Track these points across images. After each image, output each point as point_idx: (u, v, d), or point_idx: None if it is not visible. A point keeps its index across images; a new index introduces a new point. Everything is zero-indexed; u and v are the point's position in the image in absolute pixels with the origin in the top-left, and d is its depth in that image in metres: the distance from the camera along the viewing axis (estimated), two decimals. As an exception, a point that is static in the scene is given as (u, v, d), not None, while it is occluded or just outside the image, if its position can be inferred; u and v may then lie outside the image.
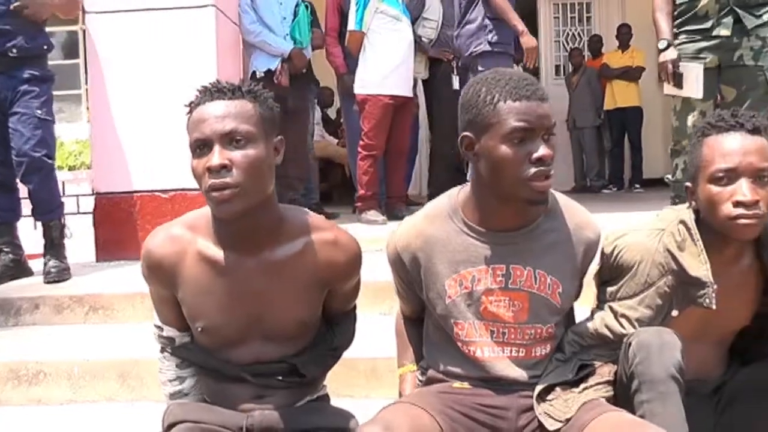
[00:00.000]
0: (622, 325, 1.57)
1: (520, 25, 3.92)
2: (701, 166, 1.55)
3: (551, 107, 1.43)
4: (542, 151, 1.40)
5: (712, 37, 3.15)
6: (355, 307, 1.70)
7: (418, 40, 4.57)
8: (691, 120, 3.21)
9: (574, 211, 1.58)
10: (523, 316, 1.53)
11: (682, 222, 1.58)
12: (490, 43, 3.96)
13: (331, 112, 7.34)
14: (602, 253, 1.64)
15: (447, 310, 1.55)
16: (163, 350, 1.65)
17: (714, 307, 1.52)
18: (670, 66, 3.18)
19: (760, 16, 3.12)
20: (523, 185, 1.41)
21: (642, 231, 1.62)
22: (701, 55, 3.16)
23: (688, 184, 1.61)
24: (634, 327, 1.56)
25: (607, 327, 1.59)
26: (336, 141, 6.96)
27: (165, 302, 1.58)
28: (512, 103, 1.40)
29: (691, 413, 1.60)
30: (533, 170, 1.40)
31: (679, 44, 3.23)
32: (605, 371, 1.56)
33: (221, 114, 1.41)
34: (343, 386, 2.21)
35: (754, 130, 1.52)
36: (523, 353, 1.55)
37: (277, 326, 1.52)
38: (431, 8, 4.67)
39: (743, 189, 1.48)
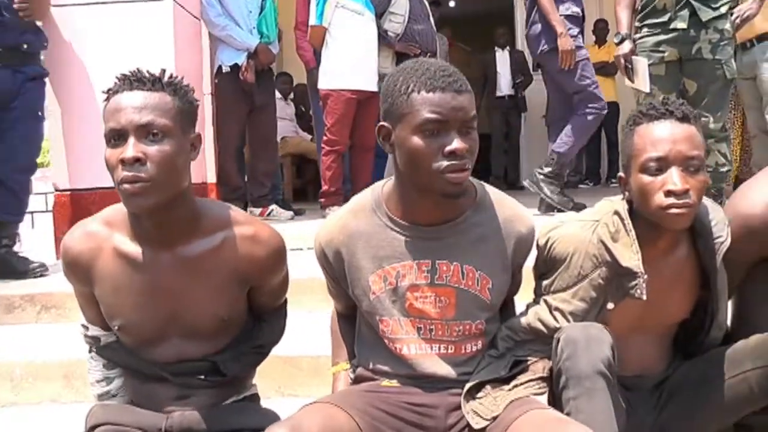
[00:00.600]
0: (555, 319, 1.55)
1: (560, 27, 3.86)
2: (632, 156, 1.52)
3: (470, 100, 1.39)
4: (456, 144, 1.36)
5: (670, 30, 3.14)
6: (284, 303, 1.66)
7: (383, 34, 4.52)
8: (651, 113, 3.18)
9: (504, 204, 1.55)
10: (451, 313, 1.50)
11: (616, 213, 1.55)
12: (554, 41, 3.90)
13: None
14: (537, 245, 1.61)
15: (372, 307, 1.52)
16: (90, 350, 1.61)
17: (644, 297, 1.49)
18: (621, 60, 3.23)
19: (717, 8, 3.10)
20: (437, 178, 1.37)
21: (576, 222, 1.59)
22: (660, 48, 3.15)
23: (621, 174, 1.58)
24: (568, 320, 1.53)
25: (540, 321, 1.56)
26: (310, 137, 6.91)
27: (86, 300, 1.54)
28: (426, 94, 1.37)
29: (633, 409, 1.59)
30: (446, 163, 1.36)
31: (640, 38, 3.24)
32: (539, 367, 1.52)
33: (138, 105, 1.36)
34: (287, 385, 2.17)
35: (684, 118, 1.49)
36: (453, 350, 1.51)
37: (195, 323, 1.48)
38: (398, 2, 4.61)
39: (674, 178, 1.46)
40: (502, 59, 7.53)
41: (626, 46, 3.23)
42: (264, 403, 1.68)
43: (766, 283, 1.64)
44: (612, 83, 7.51)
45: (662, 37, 3.14)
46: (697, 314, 1.64)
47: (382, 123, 1.45)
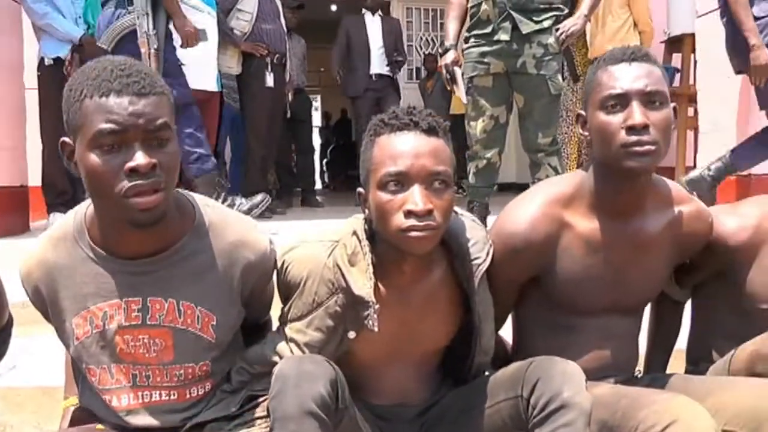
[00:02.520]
0: (291, 351, 1.40)
1: (753, 38, 3.18)
2: (371, 170, 1.35)
3: (159, 103, 1.17)
4: (139, 160, 1.14)
5: (493, 42, 3.09)
6: None
7: (229, 32, 4.32)
8: (480, 125, 3.15)
9: (228, 228, 1.36)
10: (169, 356, 1.33)
11: (355, 233, 1.40)
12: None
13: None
14: (276, 267, 1.46)
15: (77, 354, 1.32)
16: None
17: (376, 329, 1.34)
18: (444, 70, 3.18)
19: (540, 21, 3.06)
20: (121, 203, 1.16)
21: (314, 243, 1.43)
22: (485, 60, 3.10)
23: (361, 189, 1.41)
24: (303, 352, 1.39)
25: (277, 353, 1.41)
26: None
27: None
28: (99, 99, 1.15)
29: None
30: (128, 184, 1.15)
31: (468, 48, 3.20)
32: None
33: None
34: (47, 419, 1.95)
35: (430, 130, 1.33)
36: (176, 396, 1.35)
37: None
38: (246, 0, 4.43)
39: (415, 197, 1.29)
40: (374, 26, 5.87)
41: (449, 56, 3.17)
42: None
43: (539, 305, 1.57)
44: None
45: (486, 48, 3.09)
46: (464, 339, 1.53)
47: (63, 139, 1.23)
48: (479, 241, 1.45)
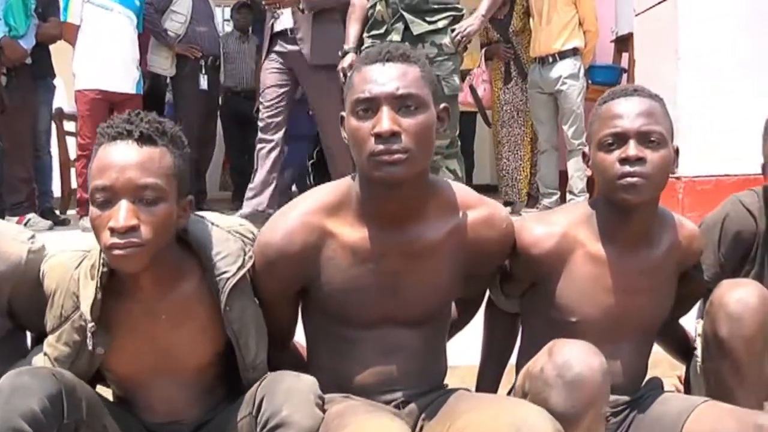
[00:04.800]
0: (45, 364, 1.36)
1: None
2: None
3: None
4: None
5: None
6: None
7: (163, 34, 4.28)
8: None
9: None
10: None
11: None
12: None
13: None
14: None
15: None
16: None
17: (90, 347, 1.30)
18: (341, 74, 3.12)
19: (434, 22, 2.98)
20: None
21: (69, 252, 1.40)
22: (381, 61, 3.01)
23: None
24: (54, 365, 1.34)
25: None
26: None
27: None
28: None
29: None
30: None
31: (365, 48, 3.09)
32: None
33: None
34: None
35: (145, 139, 1.27)
36: None
37: None
38: (180, 2, 4.39)
39: (119, 214, 1.23)
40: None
41: (347, 60, 3.12)
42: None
43: (320, 318, 1.46)
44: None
45: None
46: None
47: None
48: (230, 254, 1.37)
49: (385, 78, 1.30)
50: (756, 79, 3.27)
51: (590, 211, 1.52)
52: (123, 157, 1.25)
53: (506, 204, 4.84)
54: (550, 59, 4.32)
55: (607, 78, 4.44)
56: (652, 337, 1.62)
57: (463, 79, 5.31)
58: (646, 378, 1.62)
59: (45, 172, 4.38)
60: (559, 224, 1.49)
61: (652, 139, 1.41)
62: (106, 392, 1.50)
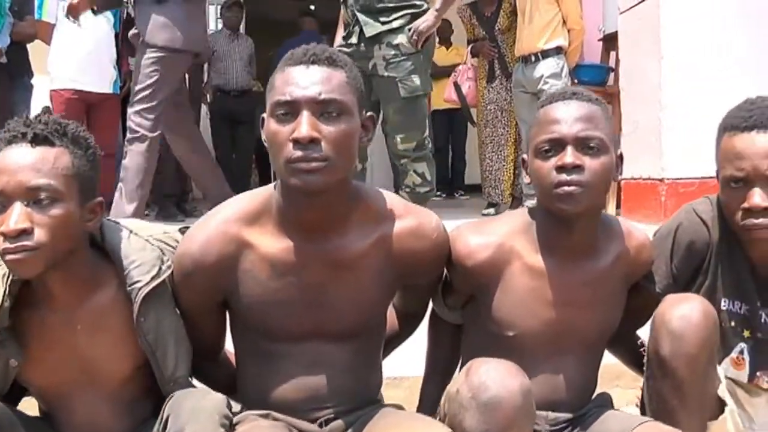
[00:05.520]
0: None
1: None
2: None
3: None
4: None
5: (348, 45, 2.96)
6: None
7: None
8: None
9: None
10: None
11: None
12: None
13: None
14: None
15: None
16: None
17: (12, 362, 1.28)
18: None
19: (389, 22, 2.90)
20: None
21: None
22: (348, 64, 2.97)
23: None
24: None
25: None
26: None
27: None
28: None
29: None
30: None
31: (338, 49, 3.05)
32: None
33: None
34: None
35: (40, 140, 1.23)
36: None
37: None
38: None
39: (10, 218, 1.20)
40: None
41: None
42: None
43: (243, 332, 1.41)
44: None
45: (345, 50, 2.92)
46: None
47: None
48: (145, 263, 1.33)
49: (307, 81, 1.24)
50: (740, 78, 3.21)
51: (530, 220, 1.45)
52: (15, 160, 1.22)
53: (490, 205, 4.79)
54: (533, 58, 4.27)
55: (594, 77, 4.36)
56: (600, 351, 1.55)
57: (448, 76, 5.40)
58: (596, 393, 1.57)
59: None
60: (495, 234, 1.43)
61: (591, 145, 1.34)
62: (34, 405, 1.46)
